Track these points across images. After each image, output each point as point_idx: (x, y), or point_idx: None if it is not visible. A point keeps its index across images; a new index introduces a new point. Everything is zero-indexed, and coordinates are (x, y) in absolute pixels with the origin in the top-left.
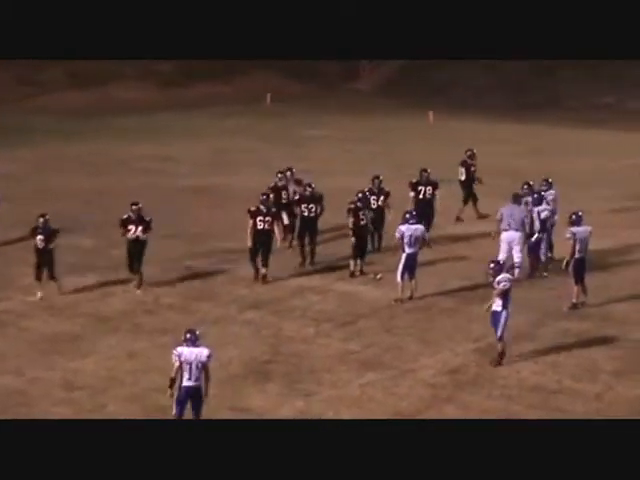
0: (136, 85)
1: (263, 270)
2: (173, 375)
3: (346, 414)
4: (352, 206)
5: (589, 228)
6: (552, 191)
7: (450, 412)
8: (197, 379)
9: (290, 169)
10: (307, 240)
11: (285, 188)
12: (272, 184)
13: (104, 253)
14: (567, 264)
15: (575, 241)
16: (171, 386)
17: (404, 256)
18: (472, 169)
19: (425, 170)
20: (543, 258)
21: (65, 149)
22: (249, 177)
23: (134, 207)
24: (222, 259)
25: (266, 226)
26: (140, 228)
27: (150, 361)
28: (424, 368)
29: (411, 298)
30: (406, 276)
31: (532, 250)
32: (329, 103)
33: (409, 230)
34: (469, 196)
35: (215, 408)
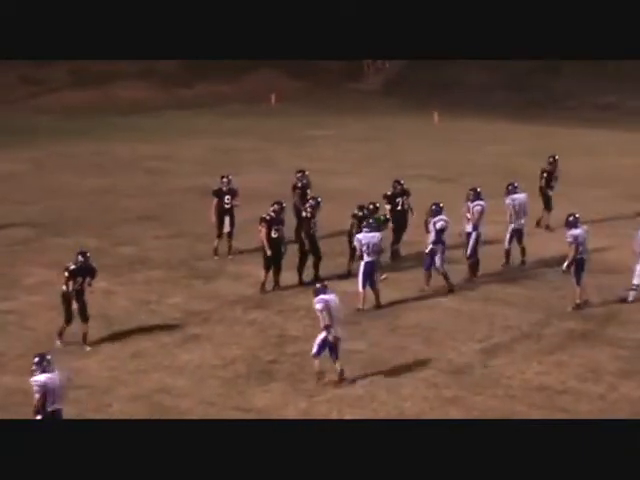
0: (139, 84)
1: (277, 277)
2: (38, 404)
3: (350, 414)
4: (359, 213)
5: (586, 227)
6: (480, 202)
7: (454, 412)
8: (58, 402)
9: (226, 176)
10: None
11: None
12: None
13: (108, 253)
14: (568, 266)
15: (577, 245)
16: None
17: (362, 264)
18: (547, 174)
19: (398, 181)
20: (440, 270)
21: (68, 148)
22: (253, 177)
23: (81, 257)
24: (226, 259)
25: (279, 234)
26: (88, 279)
27: (154, 361)
28: (428, 368)
29: (379, 306)
30: (367, 285)
31: (425, 261)
32: (333, 103)
33: (366, 238)
34: (548, 203)
35: (219, 408)
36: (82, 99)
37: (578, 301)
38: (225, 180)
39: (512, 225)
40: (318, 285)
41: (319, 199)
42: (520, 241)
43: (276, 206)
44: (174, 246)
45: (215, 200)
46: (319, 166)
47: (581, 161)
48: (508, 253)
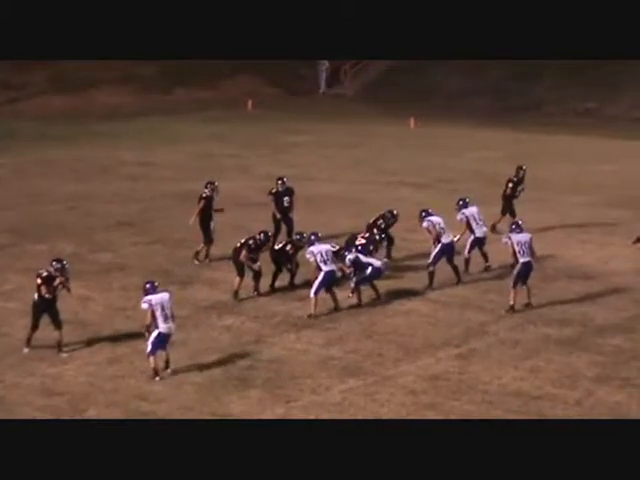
0: (118, 90)
1: (256, 285)
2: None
3: None
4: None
5: (529, 235)
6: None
7: (431, 418)
8: None
9: (213, 182)
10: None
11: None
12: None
13: (85, 259)
14: (513, 266)
15: (513, 246)
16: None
17: (322, 274)
18: (512, 185)
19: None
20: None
21: (47, 154)
22: (232, 183)
23: (57, 264)
24: (203, 265)
25: (256, 255)
26: (60, 286)
27: (131, 367)
28: (405, 374)
29: (337, 309)
30: (321, 292)
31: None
32: (311, 109)
33: (317, 248)
34: (507, 209)
35: (196, 414)
36: (61, 105)
37: (512, 302)
38: (211, 186)
39: (473, 235)
40: (148, 285)
41: (303, 238)
42: (481, 248)
43: (262, 236)
44: (152, 252)
45: (202, 205)
46: (299, 172)
47: (560, 167)
48: (468, 262)
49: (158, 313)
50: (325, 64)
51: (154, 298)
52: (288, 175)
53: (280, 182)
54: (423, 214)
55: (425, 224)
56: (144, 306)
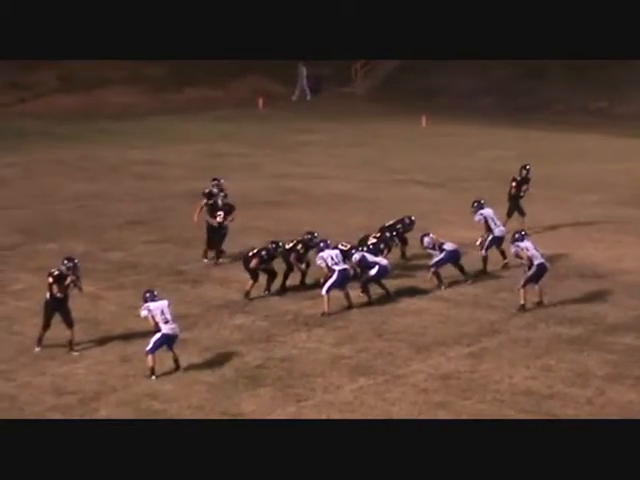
0: (127, 89)
1: (269, 285)
2: None
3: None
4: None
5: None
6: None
7: (442, 417)
8: None
9: (217, 179)
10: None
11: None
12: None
13: (96, 257)
14: (529, 268)
15: (524, 250)
16: None
17: (336, 273)
18: (516, 184)
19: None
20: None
21: (57, 153)
22: (241, 182)
23: (68, 263)
24: (213, 264)
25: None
26: (71, 285)
27: (143, 366)
28: (416, 373)
29: (350, 307)
30: (333, 291)
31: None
32: (321, 108)
33: (327, 253)
34: (513, 209)
35: (207, 413)
36: (71, 104)
37: (522, 302)
38: (215, 182)
39: (492, 235)
40: (147, 294)
41: (315, 238)
42: (499, 246)
43: (273, 246)
44: (163, 251)
45: (203, 202)
46: (308, 171)
47: (571, 166)
48: (485, 260)
49: (158, 318)
50: (304, 71)
51: (152, 304)
52: (299, 174)
53: (215, 182)
54: (476, 204)
55: (426, 240)
56: (143, 313)
